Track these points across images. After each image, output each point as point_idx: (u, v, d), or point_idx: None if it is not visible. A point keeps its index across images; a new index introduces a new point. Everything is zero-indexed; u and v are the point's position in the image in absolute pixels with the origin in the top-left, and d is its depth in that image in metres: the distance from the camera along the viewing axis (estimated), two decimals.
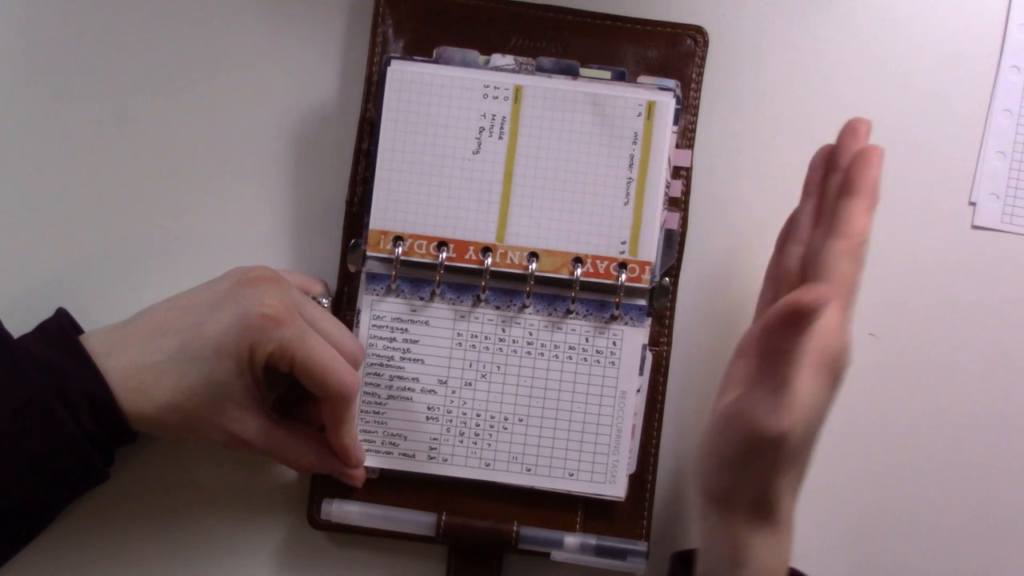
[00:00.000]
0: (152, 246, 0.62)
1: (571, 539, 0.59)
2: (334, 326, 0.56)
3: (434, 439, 0.59)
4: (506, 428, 0.59)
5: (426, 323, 0.59)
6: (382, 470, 0.59)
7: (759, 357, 0.50)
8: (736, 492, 0.51)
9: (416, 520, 0.60)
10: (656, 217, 0.59)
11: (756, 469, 0.50)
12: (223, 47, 0.63)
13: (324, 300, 0.59)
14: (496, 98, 0.59)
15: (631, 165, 0.59)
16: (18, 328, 0.55)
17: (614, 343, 0.59)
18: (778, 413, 0.49)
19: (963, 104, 0.63)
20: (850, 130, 0.57)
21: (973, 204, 0.63)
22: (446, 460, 0.59)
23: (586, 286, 0.59)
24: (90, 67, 0.62)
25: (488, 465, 0.59)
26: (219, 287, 0.55)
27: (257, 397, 0.55)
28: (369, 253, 0.59)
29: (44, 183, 0.62)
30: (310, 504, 0.60)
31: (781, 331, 0.47)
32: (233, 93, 0.62)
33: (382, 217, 0.59)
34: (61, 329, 0.55)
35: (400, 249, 0.59)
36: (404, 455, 0.60)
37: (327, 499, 0.60)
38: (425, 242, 0.59)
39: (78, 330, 0.57)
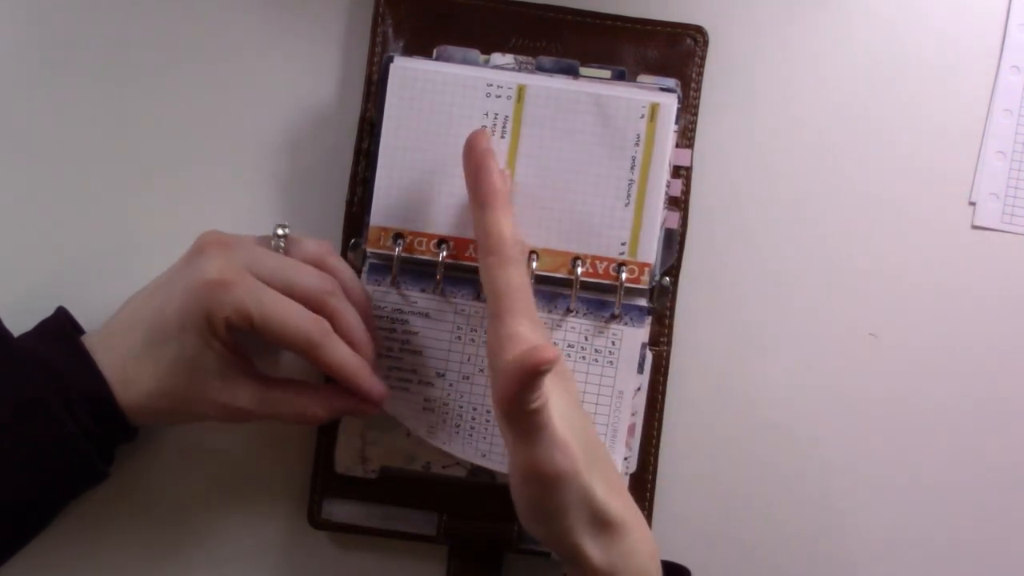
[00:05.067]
0: (152, 246, 0.61)
1: None
2: (293, 271, 0.55)
3: (431, 428, 0.59)
4: None
5: (426, 315, 0.59)
6: (382, 469, 0.59)
7: (504, 419, 0.49)
8: (564, 530, 0.50)
9: (416, 520, 0.59)
10: (657, 219, 0.59)
11: (572, 499, 0.49)
12: (223, 47, 0.63)
13: (281, 230, 0.57)
14: (499, 97, 0.58)
15: (633, 167, 0.59)
16: (18, 328, 0.55)
17: (613, 343, 0.59)
18: (553, 454, 0.48)
19: (963, 104, 0.63)
20: (467, 148, 0.55)
21: (973, 204, 0.63)
22: (443, 444, 0.59)
23: (585, 286, 0.59)
24: (89, 68, 0.62)
25: (484, 456, 0.59)
26: (175, 264, 0.55)
27: (236, 364, 0.54)
28: (369, 250, 0.59)
29: (44, 182, 0.62)
30: (310, 504, 0.60)
31: (518, 394, 0.47)
32: (233, 93, 0.62)
33: (383, 214, 0.59)
34: (61, 328, 0.55)
35: (400, 246, 0.59)
36: None
37: (327, 499, 0.60)
38: (425, 239, 0.59)
39: (78, 329, 0.57)
